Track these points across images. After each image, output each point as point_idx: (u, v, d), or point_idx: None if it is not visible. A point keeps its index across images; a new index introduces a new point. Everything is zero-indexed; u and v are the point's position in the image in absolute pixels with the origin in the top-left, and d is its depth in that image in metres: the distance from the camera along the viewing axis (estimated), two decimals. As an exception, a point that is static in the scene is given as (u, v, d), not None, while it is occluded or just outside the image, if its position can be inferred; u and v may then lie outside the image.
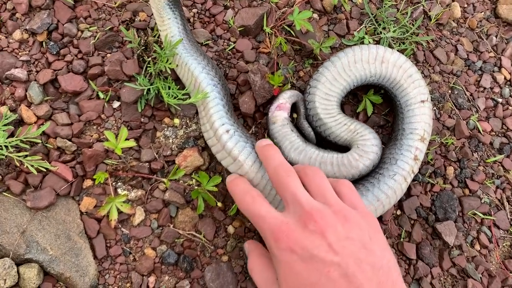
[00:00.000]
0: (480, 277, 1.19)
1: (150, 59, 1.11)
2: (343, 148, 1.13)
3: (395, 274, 0.77)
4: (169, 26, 1.07)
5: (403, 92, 1.14)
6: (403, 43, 1.32)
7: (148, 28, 1.17)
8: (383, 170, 1.09)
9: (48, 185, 1.01)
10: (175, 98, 1.06)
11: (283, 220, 0.81)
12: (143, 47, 1.13)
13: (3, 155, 0.94)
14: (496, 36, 1.45)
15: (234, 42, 1.21)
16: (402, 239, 1.18)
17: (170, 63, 1.05)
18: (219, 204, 1.06)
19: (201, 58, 1.07)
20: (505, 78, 1.40)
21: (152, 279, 1.04)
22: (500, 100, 1.37)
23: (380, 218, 1.17)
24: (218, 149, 1.02)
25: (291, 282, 0.77)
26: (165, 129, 1.14)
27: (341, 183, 0.92)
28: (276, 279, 0.83)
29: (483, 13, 1.46)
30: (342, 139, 1.12)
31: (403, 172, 1.09)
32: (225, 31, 1.22)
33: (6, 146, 0.94)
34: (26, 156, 0.98)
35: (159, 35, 1.12)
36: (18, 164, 0.98)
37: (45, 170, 1.00)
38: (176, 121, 1.14)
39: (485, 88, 1.38)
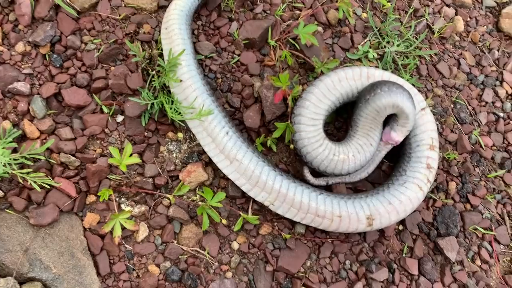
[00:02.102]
0: (481, 293, 1.20)
1: (154, 72, 1.10)
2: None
3: None
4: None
5: None
6: (407, 57, 1.32)
7: (152, 41, 1.16)
8: (393, 180, 1.11)
9: (51, 201, 1.00)
10: (178, 113, 1.05)
11: None
12: (148, 60, 1.12)
13: (7, 173, 0.92)
14: (498, 50, 1.45)
15: (239, 55, 1.21)
16: (404, 255, 1.18)
17: (174, 78, 1.04)
18: (224, 221, 1.06)
19: (202, 75, 1.09)
20: (506, 92, 1.41)
21: (156, 296, 1.03)
22: (501, 114, 1.38)
23: (382, 233, 1.18)
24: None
25: None
26: (169, 143, 1.13)
27: None
28: None
29: (485, 27, 1.47)
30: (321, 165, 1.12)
31: (415, 180, 1.10)
32: (230, 44, 1.21)
33: (9, 164, 0.92)
34: (29, 172, 0.97)
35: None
36: (21, 181, 0.96)
37: (48, 187, 0.99)
38: (180, 135, 1.14)
39: (487, 103, 1.39)
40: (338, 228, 1.05)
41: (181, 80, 1.06)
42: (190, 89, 1.05)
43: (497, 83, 1.42)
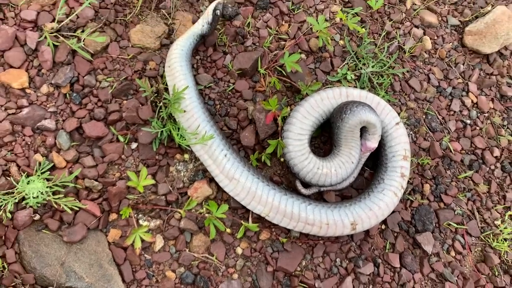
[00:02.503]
0: (456, 280, 1.37)
1: (161, 104, 1.27)
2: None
3: None
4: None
5: None
6: (382, 76, 1.50)
7: (158, 76, 1.33)
8: (373, 188, 1.28)
9: (80, 221, 1.17)
10: (184, 139, 1.22)
11: None
12: (155, 94, 1.29)
13: (45, 200, 1.09)
14: (463, 64, 1.63)
15: (233, 83, 1.38)
16: (387, 250, 1.36)
17: (179, 109, 1.21)
18: (228, 230, 1.23)
19: (202, 105, 1.25)
20: (472, 101, 1.59)
21: (173, 297, 1.20)
22: (468, 121, 1.56)
23: (367, 233, 1.35)
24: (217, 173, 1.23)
25: None
26: (177, 164, 1.30)
27: None
28: None
29: (451, 43, 1.65)
30: (307, 175, 1.28)
31: (392, 188, 1.27)
32: (225, 74, 1.39)
33: (46, 192, 1.09)
34: (60, 197, 1.13)
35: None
36: (55, 205, 1.13)
37: (77, 208, 1.16)
38: (186, 156, 1.31)
39: (455, 112, 1.56)
40: (326, 233, 1.22)
41: (184, 111, 1.23)
42: (192, 118, 1.22)
43: (464, 93, 1.60)
